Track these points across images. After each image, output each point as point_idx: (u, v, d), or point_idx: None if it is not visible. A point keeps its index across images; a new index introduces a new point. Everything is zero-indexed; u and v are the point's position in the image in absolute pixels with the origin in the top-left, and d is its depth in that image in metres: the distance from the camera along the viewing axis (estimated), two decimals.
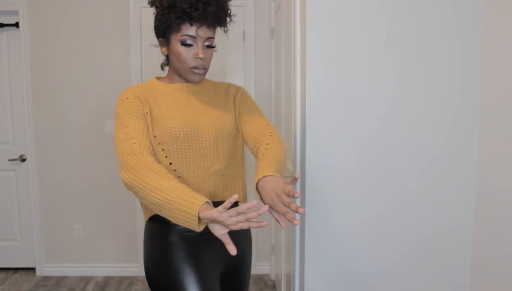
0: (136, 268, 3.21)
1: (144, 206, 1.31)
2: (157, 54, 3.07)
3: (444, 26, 1.43)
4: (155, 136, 1.23)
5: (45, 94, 3.09)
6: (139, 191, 1.07)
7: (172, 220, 1.02)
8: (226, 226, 0.94)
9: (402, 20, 1.42)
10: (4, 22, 3.08)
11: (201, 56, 1.22)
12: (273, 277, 3.12)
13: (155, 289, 1.24)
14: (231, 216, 0.92)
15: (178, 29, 1.21)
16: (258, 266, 3.22)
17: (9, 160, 3.15)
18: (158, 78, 1.38)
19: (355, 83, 1.44)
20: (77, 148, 3.12)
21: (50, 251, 3.21)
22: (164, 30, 1.25)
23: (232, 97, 1.40)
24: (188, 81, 1.31)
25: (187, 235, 1.25)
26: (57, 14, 3.03)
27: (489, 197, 1.42)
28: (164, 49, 1.29)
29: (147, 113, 1.24)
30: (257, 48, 3.04)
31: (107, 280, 3.12)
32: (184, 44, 1.21)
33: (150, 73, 3.09)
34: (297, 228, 1.65)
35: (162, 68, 1.39)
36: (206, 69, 1.27)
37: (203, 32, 1.21)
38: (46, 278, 3.16)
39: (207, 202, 0.99)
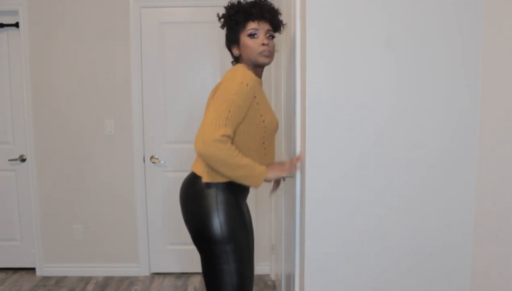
0: (136, 268, 3.21)
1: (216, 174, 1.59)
2: (157, 54, 3.07)
3: (445, 26, 1.43)
4: (263, 121, 1.61)
5: (45, 94, 3.09)
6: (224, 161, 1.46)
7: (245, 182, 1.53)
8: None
9: (402, 21, 1.42)
10: (4, 22, 3.08)
11: (265, 42, 1.61)
12: (273, 277, 3.12)
13: (226, 242, 1.56)
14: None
15: (244, 27, 1.62)
16: (258, 266, 3.22)
17: (9, 160, 3.16)
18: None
19: (355, 83, 1.44)
20: (77, 148, 3.12)
21: (50, 251, 3.21)
22: (234, 35, 1.65)
23: None
24: (259, 65, 1.65)
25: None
26: (57, 14, 3.03)
27: (489, 197, 1.42)
28: (237, 50, 1.67)
29: (257, 103, 1.58)
30: None
31: (107, 280, 3.13)
32: (251, 35, 1.61)
33: (150, 73, 3.09)
34: (297, 228, 1.65)
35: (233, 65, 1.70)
36: (271, 53, 1.63)
37: (263, 25, 1.62)
38: (46, 278, 3.16)
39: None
